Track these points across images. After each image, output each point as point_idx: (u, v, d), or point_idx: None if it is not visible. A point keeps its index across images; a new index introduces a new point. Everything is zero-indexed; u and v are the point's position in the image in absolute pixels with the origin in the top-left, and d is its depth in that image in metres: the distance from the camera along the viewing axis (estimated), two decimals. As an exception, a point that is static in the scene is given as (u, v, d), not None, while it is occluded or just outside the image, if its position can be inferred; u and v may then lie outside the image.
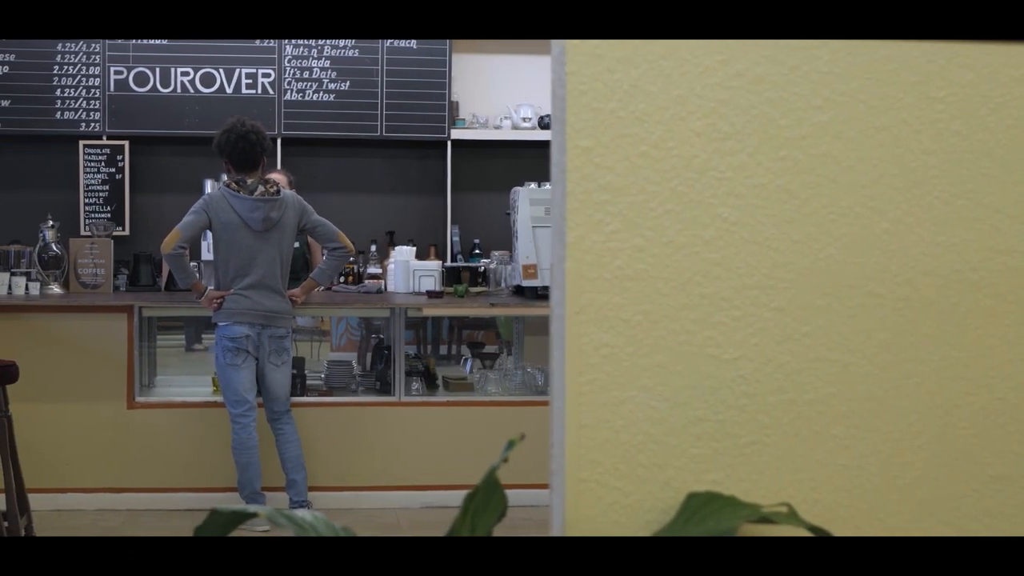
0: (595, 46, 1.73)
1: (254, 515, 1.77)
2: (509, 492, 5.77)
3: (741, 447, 1.78)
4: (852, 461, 1.79)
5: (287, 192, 5.92)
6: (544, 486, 5.83)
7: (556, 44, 1.76)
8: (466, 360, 7.18)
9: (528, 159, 7.87)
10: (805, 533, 1.69)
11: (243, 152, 5.77)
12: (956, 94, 1.79)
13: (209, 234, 6.15)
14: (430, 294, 6.56)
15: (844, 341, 1.78)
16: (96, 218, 7.35)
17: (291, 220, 5.87)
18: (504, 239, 7.48)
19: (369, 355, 7.73)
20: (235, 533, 6.19)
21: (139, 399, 6.34)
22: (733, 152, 1.76)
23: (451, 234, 7.66)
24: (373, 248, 7.40)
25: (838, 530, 1.76)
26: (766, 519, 1.68)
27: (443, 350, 8.16)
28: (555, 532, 1.80)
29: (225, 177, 7.11)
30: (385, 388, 6.55)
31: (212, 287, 5.97)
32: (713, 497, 1.73)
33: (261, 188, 5.79)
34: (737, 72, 1.76)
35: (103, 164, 7.37)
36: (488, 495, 1.67)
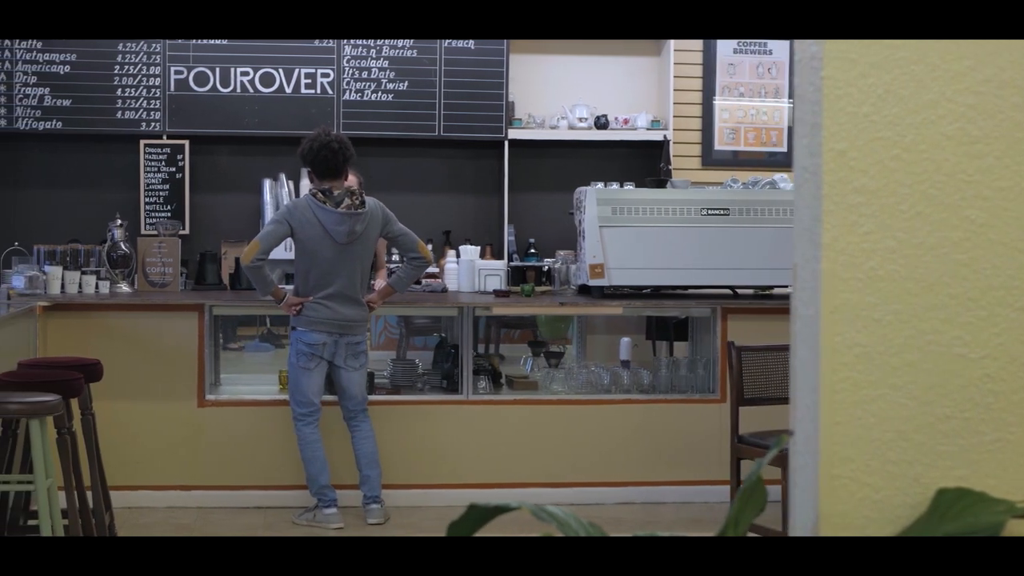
0: (849, 51, 1.77)
1: (517, 508, 1.80)
2: (569, 490, 5.67)
3: (986, 444, 1.82)
4: (1095, 458, 1.83)
5: (371, 202, 5.95)
6: (607, 484, 5.81)
7: (807, 49, 1.80)
8: (527, 359, 7.21)
9: (583, 159, 7.91)
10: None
11: (325, 160, 5.81)
12: None
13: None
14: (497, 293, 6.60)
15: (1087, 340, 1.82)
16: (157, 217, 7.39)
17: (373, 232, 5.94)
18: (560, 239, 7.52)
19: (407, 353, 7.77)
20: (308, 532, 6.22)
21: (209, 397, 6.37)
22: (981, 156, 1.80)
23: (507, 233, 7.70)
24: (429, 248, 7.43)
25: (1083, 525, 1.80)
26: (1027, 515, 1.71)
27: (479, 349, 8.19)
28: (800, 527, 1.84)
29: (302, 186, 7.17)
30: (452, 387, 6.58)
31: (290, 289, 6.01)
32: (964, 493, 1.77)
33: (347, 200, 5.82)
34: (985, 77, 1.80)
35: (163, 163, 7.40)
36: (752, 491, 1.71)
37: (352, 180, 6.51)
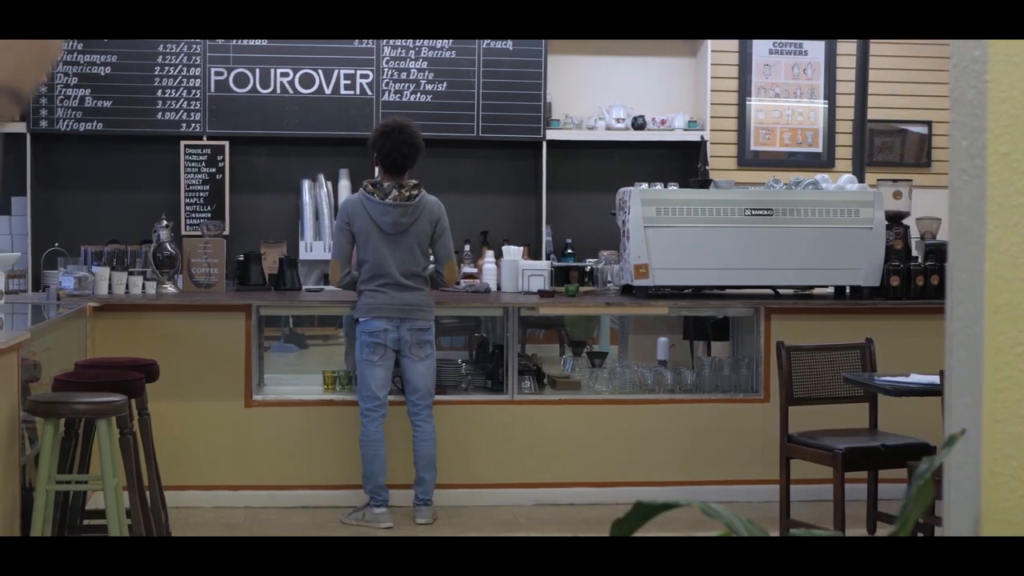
0: (1013, 54, 1.79)
1: (686, 505, 1.82)
2: (614, 490, 5.67)
3: None
4: None
5: (431, 200, 5.99)
6: (652, 483, 5.83)
7: (969, 52, 1.82)
8: (567, 359, 7.24)
9: (620, 160, 7.93)
10: None
11: (404, 159, 5.90)
12: None
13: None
14: (542, 293, 6.62)
15: None
16: (197, 218, 7.40)
17: (424, 226, 5.95)
18: (597, 239, 7.54)
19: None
20: (357, 532, 6.22)
21: (256, 397, 6.40)
22: None
23: (545, 234, 7.72)
24: (467, 248, 7.47)
25: None
26: None
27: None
28: (958, 526, 1.86)
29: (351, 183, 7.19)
30: (497, 387, 6.60)
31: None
32: (1126, 491, 1.79)
33: (395, 192, 5.88)
34: None
35: (204, 164, 7.43)
36: (922, 491, 1.73)
37: None
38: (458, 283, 6.70)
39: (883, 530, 5.64)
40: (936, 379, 4.98)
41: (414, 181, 6.02)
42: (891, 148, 8.28)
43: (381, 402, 5.99)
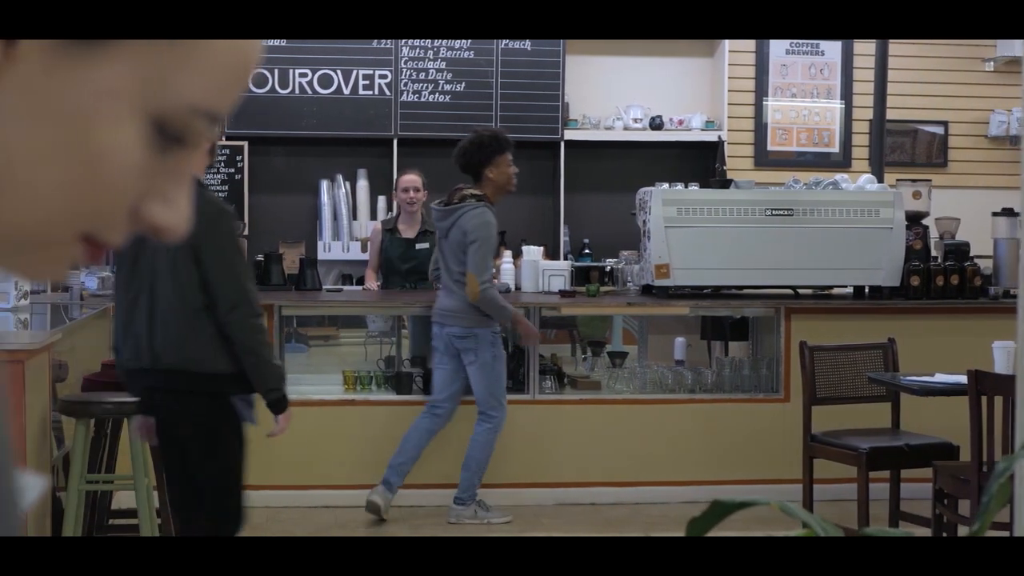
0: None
1: (765, 503, 1.82)
2: (635, 489, 5.68)
3: None
4: None
5: (472, 211, 5.85)
6: (672, 483, 5.82)
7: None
8: (586, 358, 7.24)
9: (637, 160, 7.94)
10: None
11: (457, 159, 5.90)
12: None
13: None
14: (563, 293, 6.63)
15: None
16: (216, 218, 7.41)
17: (457, 235, 5.86)
18: (614, 239, 7.55)
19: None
20: (365, 532, 6.13)
21: (278, 397, 6.39)
22: None
23: (563, 234, 7.73)
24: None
25: None
26: None
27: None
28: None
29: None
30: (517, 386, 6.60)
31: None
32: None
33: (442, 199, 5.94)
34: None
35: (223, 164, 7.44)
36: (1003, 488, 1.73)
37: (415, 180, 6.60)
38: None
39: (905, 530, 5.65)
40: (962, 379, 4.99)
41: (468, 192, 5.90)
42: (903, 148, 8.30)
43: (432, 403, 6.08)
